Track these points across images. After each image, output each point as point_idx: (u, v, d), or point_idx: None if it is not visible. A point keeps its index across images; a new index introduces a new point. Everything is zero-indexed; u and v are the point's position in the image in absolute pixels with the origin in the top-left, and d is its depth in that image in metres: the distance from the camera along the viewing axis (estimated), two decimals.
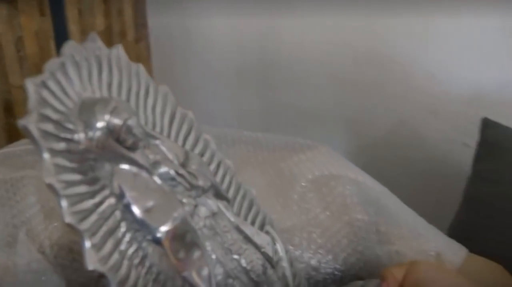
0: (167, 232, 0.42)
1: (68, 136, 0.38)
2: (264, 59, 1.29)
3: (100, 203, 0.40)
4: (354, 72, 1.21)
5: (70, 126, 0.39)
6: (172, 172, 0.43)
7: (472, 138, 1.09)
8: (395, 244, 0.66)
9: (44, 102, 0.37)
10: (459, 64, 1.12)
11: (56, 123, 0.38)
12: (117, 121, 0.39)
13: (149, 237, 0.42)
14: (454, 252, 0.67)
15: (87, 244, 0.38)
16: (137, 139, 0.41)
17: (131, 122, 0.40)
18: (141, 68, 0.46)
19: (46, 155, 0.37)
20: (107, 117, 0.39)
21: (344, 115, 1.26)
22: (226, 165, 0.52)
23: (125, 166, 0.41)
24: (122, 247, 0.41)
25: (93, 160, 0.40)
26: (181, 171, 0.43)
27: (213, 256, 0.45)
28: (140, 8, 1.31)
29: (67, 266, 0.57)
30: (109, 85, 0.43)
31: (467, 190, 0.94)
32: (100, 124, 0.39)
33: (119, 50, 0.44)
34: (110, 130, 0.39)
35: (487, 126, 0.96)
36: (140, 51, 1.33)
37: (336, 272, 0.65)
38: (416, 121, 1.17)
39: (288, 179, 0.70)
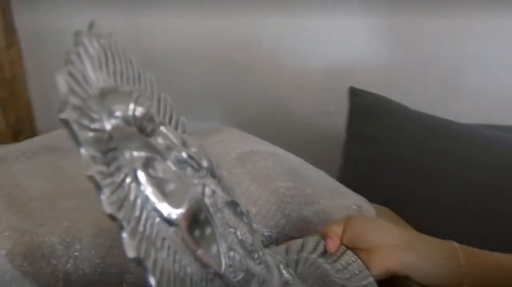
0: (183, 213, 0.43)
1: (96, 126, 0.37)
2: (140, 54, 1.29)
3: (127, 192, 0.40)
4: (226, 59, 1.28)
5: (95, 116, 0.38)
6: (184, 155, 0.44)
7: (332, 106, 1.23)
8: (320, 203, 0.74)
9: (73, 93, 0.36)
10: (318, 43, 1.25)
11: (84, 113, 0.37)
12: (141, 110, 0.39)
13: (166, 220, 0.43)
14: (368, 204, 0.78)
15: (125, 233, 0.38)
16: (155, 126, 0.41)
17: (153, 110, 0.40)
18: (132, 56, 0.46)
19: (83, 147, 0.35)
20: (131, 106, 0.39)
21: (219, 97, 1.32)
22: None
23: (142, 153, 0.41)
24: (147, 233, 0.41)
25: (115, 149, 0.40)
26: (191, 153, 0.44)
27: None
28: (7, 13, 1.20)
29: (23, 272, 0.55)
30: (114, 73, 0.42)
31: (345, 153, 1.07)
32: (125, 113, 0.39)
33: (113, 38, 0.43)
34: (134, 119, 0.39)
35: (355, 94, 1.09)
36: (12, 57, 1.23)
37: (271, 235, 0.71)
38: (284, 97, 1.28)
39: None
